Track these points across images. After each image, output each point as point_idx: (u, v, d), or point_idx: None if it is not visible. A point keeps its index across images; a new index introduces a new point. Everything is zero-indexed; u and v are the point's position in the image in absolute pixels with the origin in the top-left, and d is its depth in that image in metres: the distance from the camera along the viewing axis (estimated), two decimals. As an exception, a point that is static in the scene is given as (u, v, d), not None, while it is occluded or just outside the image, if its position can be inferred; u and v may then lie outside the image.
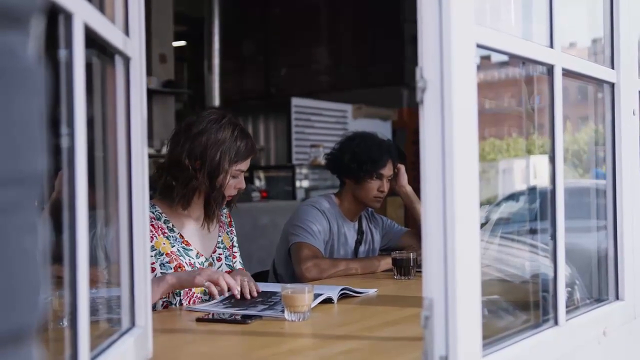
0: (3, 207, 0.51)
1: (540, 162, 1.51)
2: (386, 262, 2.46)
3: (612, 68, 1.60)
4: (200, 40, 7.30)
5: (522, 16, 1.61)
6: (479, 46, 1.07)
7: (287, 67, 8.58)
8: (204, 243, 2.08)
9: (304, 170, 6.43)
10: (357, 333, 1.54)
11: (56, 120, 0.82)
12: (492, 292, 1.34)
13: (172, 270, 1.95)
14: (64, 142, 0.83)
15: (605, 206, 1.63)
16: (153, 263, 1.93)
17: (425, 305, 1.00)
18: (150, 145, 6.01)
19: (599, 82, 1.61)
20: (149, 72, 6.32)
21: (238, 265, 2.17)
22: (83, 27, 0.86)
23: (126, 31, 1.14)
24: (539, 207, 1.52)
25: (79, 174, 0.84)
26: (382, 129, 6.34)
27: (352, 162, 2.58)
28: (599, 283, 1.65)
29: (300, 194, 6.24)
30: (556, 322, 1.31)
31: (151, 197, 2.00)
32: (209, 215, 2.04)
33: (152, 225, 1.95)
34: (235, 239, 2.21)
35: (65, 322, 0.91)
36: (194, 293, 1.97)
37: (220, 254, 2.12)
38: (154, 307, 1.80)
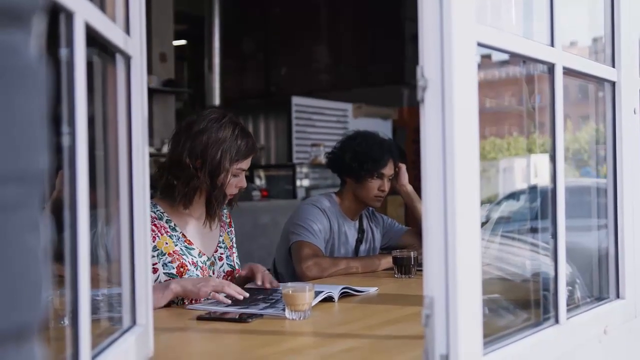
0: (5, 204, 0.51)
1: (540, 161, 1.51)
2: (387, 261, 2.46)
3: (613, 67, 1.60)
4: (201, 39, 7.30)
5: (523, 15, 1.61)
6: (480, 45, 1.07)
7: (288, 66, 8.58)
8: (205, 242, 2.08)
9: (305, 169, 6.44)
10: (358, 332, 1.54)
11: (57, 119, 0.82)
12: (493, 290, 1.34)
13: (175, 269, 1.95)
14: (65, 141, 0.83)
15: (605, 205, 1.63)
16: (155, 264, 1.93)
17: (426, 303, 1.00)
18: (150, 144, 6.01)
19: (599, 81, 1.61)
20: (149, 71, 6.31)
21: (235, 266, 2.17)
22: (84, 25, 0.86)
23: (127, 30, 1.14)
24: (540, 206, 1.52)
25: (80, 172, 0.84)
26: (383, 128, 6.35)
27: (353, 161, 2.58)
28: (599, 282, 1.65)
29: (300, 193, 6.25)
30: (557, 321, 1.32)
31: (152, 197, 2.00)
32: (211, 214, 2.04)
33: (154, 225, 1.96)
34: (234, 239, 2.22)
35: (67, 321, 0.91)
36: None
37: (221, 254, 2.12)
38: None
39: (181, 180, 1.97)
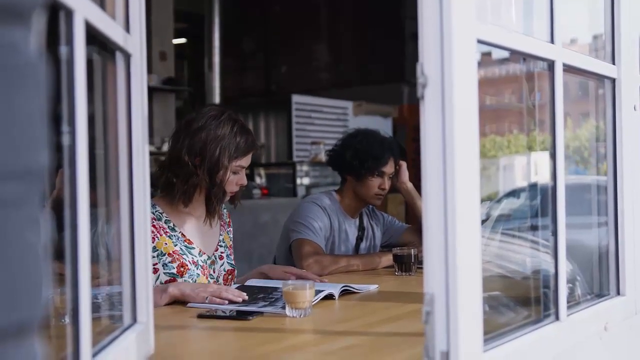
0: (5, 201, 0.51)
1: (541, 158, 1.51)
2: (387, 259, 2.46)
3: (613, 64, 1.60)
4: (201, 38, 7.30)
5: (523, 12, 1.61)
6: (480, 42, 1.07)
7: (288, 64, 8.58)
8: (206, 241, 2.08)
9: (305, 168, 6.44)
10: (358, 329, 1.55)
11: (57, 117, 0.82)
12: (493, 288, 1.34)
13: (175, 269, 1.95)
14: (65, 140, 0.83)
15: (606, 202, 1.63)
16: (155, 264, 1.93)
17: (426, 300, 1.00)
18: (150, 143, 6.01)
19: (599, 78, 1.61)
20: (149, 70, 6.31)
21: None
22: (84, 23, 0.86)
23: (127, 28, 1.14)
24: (540, 203, 1.53)
25: (80, 171, 0.84)
26: (383, 126, 6.35)
27: (354, 159, 2.58)
28: (600, 278, 1.65)
29: (301, 191, 6.25)
30: (557, 318, 1.32)
31: (152, 196, 2.00)
32: (210, 212, 2.04)
33: (153, 225, 1.95)
34: (232, 238, 2.22)
35: (67, 319, 0.91)
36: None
37: (222, 253, 2.12)
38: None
39: (180, 178, 1.97)
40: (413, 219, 2.91)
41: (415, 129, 5.98)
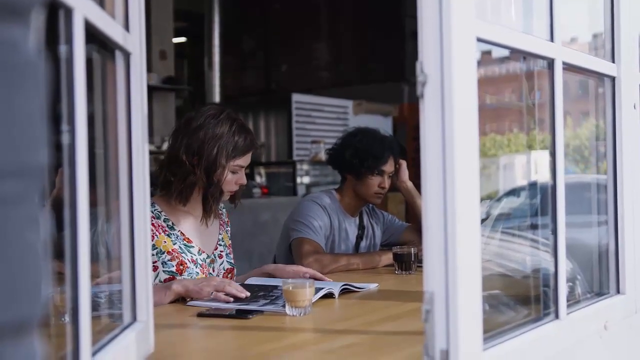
0: (4, 199, 0.51)
1: (541, 157, 1.51)
2: (387, 257, 2.47)
3: (613, 62, 1.60)
4: (201, 37, 7.30)
5: (523, 11, 1.61)
6: (480, 40, 1.07)
7: (288, 63, 8.57)
8: (205, 240, 2.08)
9: (305, 167, 6.44)
10: (358, 328, 1.55)
11: (57, 116, 0.82)
12: (493, 286, 1.34)
13: (175, 267, 1.95)
14: (65, 139, 0.83)
15: (605, 201, 1.63)
16: (155, 262, 1.93)
17: (425, 298, 1.00)
18: (150, 141, 6.01)
19: (599, 76, 1.61)
20: (149, 69, 6.31)
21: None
22: (83, 22, 0.85)
23: (126, 26, 1.14)
24: (540, 202, 1.53)
25: (80, 170, 0.84)
26: (383, 125, 6.34)
27: (354, 157, 2.58)
28: (599, 277, 1.65)
29: (301, 190, 6.25)
30: (557, 316, 1.32)
31: (151, 195, 2.00)
32: (207, 210, 2.04)
33: (153, 224, 1.96)
34: (230, 236, 2.22)
35: (67, 318, 0.91)
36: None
37: (221, 251, 2.12)
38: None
39: (178, 177, 1.97)
40: (413, 217, 2.91)
41: (416, 128, 5.97)
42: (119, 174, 1.15)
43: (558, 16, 1.32)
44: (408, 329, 1.49)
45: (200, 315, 1.66)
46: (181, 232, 2.02)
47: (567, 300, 1.34)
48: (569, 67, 1.38)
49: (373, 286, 2.05)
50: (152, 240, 1.94)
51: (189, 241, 2.03)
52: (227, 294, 1.78)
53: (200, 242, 2.06)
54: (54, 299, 1.22)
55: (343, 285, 1.93)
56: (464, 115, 1.01)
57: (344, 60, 8.31)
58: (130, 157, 1.16)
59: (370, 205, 2.76)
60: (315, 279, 1.96)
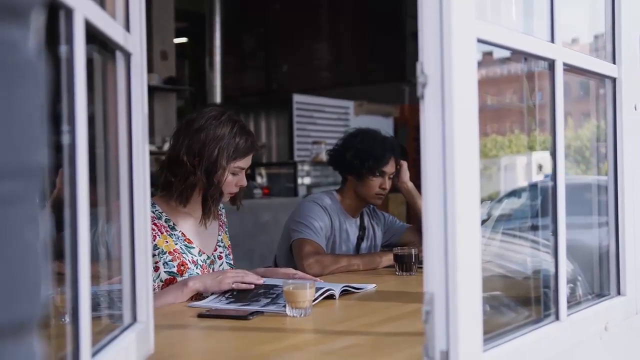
0: (3, 199, 0.51)
1: (541, 158, 1.51)
2: (388, 258, 2.46)
3: (614, 63, 1.59)
4: (202, 37, 7.30)
5: (523, 12, 1.61)
6: (480, 41, 1.07)
7: (289, 64, 8.58)
8: (205, 241, 2.09)
9: (306, 167, 6.44)
10: (359, 329, 1.55)
11: (57, 117, 0.82)
12: (493, 287, 1.34)
13: (176, 268, 1.95)
14: (65, 139, 0.83)
15: (606, 202, 1.63)
16: (157, 262, 1.94)
17: (426, 299, 1.00)
18: (151, 142, 6.01)
19: (600, 77, 1.61)
20: (150, 69, 6.32)
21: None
22: (84, 22, 0.86)
23: (127, 27, 1.14)
24: (541, 203, 1.52)
25: (80, 170, 0.84)
26: (384, 126, 6.35)
27: (355, 158, 2.58)
28: (600, 278, 1.65)
29: (302, 191, 6.25)
30: (557, 317, 1.31)
31: (152, 195, 2.01)
32: (206, 212, 2.04)
33: (154, 224, 1.96)
34: (229, 237, 2.22)
35: (67, 319, 0.91)
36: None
37: (221, 252, 2.13)
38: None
39: (178, 178, 1.97)
40: (414, 218, 2.91)
41: (417, 129, 5.97)
42: (119, 175, 1.15)
43: (559, 17, 1.32)
44: (408, 330, 1.49)
45: (201, 316, 1.66)
46: (182, 233, 2.02)
47: (568, 302, 1.34)
48: (569, 68, 1.38)
49: (371, 287, 2.05)
50: (154, 241, 1.94)
51: (190, 242, 2.03)
52: (247, 283, 1.80)
53: (200, 243, 2.06)
54: (54, 300, 1.22)
55: (344, 286, 1.93)
56: (464, 116, 1.01)
57: (345, 60, 8.31)
58: (131, 158, 1.16)
59: (371, 206, 2.76)
60: None
